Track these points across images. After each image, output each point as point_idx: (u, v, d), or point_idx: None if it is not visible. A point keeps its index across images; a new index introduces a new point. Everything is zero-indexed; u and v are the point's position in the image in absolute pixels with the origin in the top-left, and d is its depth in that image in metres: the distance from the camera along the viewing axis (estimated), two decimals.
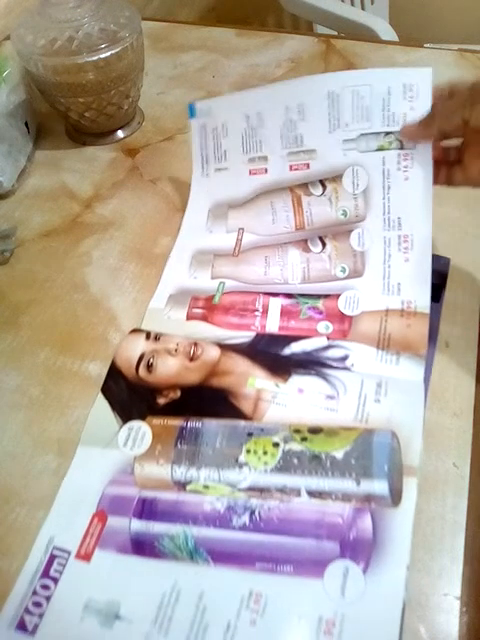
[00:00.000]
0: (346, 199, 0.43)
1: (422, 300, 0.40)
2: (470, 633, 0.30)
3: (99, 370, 0.41)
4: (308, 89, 0.44)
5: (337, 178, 0.44)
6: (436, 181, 0.40)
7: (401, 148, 0.41)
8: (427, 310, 0.40)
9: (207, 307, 0.44)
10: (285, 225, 0.46)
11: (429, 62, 0.64)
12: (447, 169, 0.40)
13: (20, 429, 0.38)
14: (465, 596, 0.31)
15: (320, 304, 0.42)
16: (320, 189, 0.44)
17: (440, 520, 0.33)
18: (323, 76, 0.44)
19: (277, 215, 0.46)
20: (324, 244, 0.44)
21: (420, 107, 0.40)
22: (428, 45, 0.69)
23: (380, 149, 0.42)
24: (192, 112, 0.49)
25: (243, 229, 0.47)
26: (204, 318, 0.43)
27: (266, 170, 0.47)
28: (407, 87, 0.40)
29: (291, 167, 0.45)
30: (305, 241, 0.45)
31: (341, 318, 0.42)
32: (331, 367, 0.39)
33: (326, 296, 0.43)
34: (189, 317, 0.43)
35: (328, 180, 0.44)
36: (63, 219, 0.52)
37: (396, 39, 0.92)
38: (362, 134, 0.42)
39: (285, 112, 0.45)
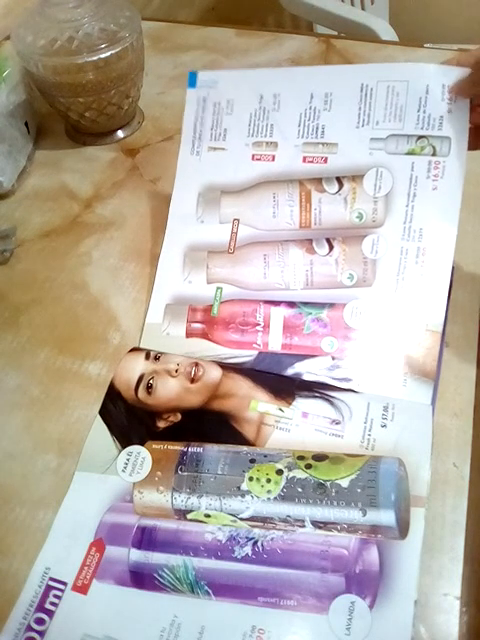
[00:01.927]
0: (364, 201, 0.40)
1: (435, 318, 0.38)
2: (470, 633, 0.30)
3: (99, 370, 0.41)
4: (340, 78, 0.41)
5: (357, 177, 0.40)
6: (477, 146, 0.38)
7: (433, 155, 0.38)
8: (439, 329, 0.38)
9: (206, 320, 0.42)
10: (288, 221, 0.42)
11: (429, 62, 0.64)
12: None
13: (20, 429, 0.38)
14: (465, 596, 0.31)
15: (324, 314, 0.40)
16: (336, 186, 0.41)
17: (440, 520, 0.33)
18: (359, 66, 0.41)
19: (279, 209, 0.42)
20: (331, 247, 0.41)
21: (457, 110, 0.37)
22: (428, 45, 0.69)
23: (410, 153, 0.39)
24: (192, 81, 0.44)
25: (238, 220, 0.43)
26: (204, 335, 0.42)
27: (273, 157, 0.42)
28: (445, 88, 0.37)
29: (305, 159, 0.42)
30: (309, 241, 0.42)
31: (346, 332, 0.40)
32: (336, 389, 0.38)
33: (331, 305, 0.40)
34: (188, 334, 0.42)
35: (346, 178, 0.41)
36: (63, 219, 0.52)
37: (396, 39, 0.92)
38: (392, 135, 0.39)
39: (309, 99, 0.41)
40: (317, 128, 0.41)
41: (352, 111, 0.40)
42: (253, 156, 0.43)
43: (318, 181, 0.42)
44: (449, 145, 0.38)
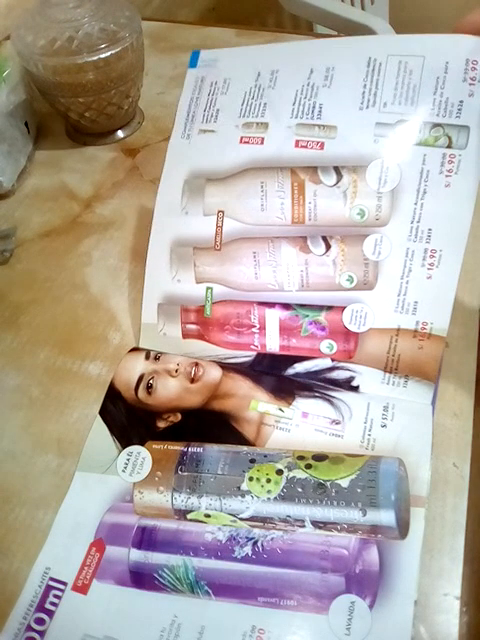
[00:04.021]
0: (367, 196, 0.35)
1: (440, 322, 0.36)
2: (470, 633, 0.30)
3: (99, 370, 0.41)
4: (346, 51, 0.36)
5: (359, 168, 0.35)
6: None
7: (448, 147, 0.34)
8: (444, 333, 0.36)
9: (200, 321, 0.41)
10: (278, 215, 0.37)
11: None
12: None
13: (20, 429, 0.38)
14: (465, 596, 0.31)
15: (322, 317, 0.38)
16: (333, 178, 0.36)
17: (440, 520, 0.33)
18: (368, 38, 0.36)
19: (268, 200, 0.37)
20: (328, 246, 0.37)
21: None
22: None
23: (422, 144, 0.34)
24: (194, 61, 0.40)
25: (223, 212, 0.39)
26: (200, 336, 0.41)
27: (262, 140, 0.37)
28: (470, 64, 0.32)
29: (297, 143, 0.37)
30: (303, 239, 0.38)
31: (346, 335, 0.38)
32: (336, 389, 0.38)
33: (329, 308, 0.38)
34: (185, 335, 0.41)
35: (346, 169, 0.36)
36: (63, 219, 0.52)
37: None
38: (402, 120, 0.34)
39: (308, 74, 0.36)
40: (314, 107, 0.36)
41: (356, 89, 0.35)
42: (241, 138, 0.38)
43: (313, 170, 0.36)
44: (467, 136, 0.34)
